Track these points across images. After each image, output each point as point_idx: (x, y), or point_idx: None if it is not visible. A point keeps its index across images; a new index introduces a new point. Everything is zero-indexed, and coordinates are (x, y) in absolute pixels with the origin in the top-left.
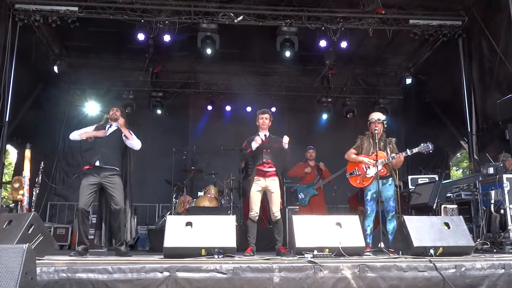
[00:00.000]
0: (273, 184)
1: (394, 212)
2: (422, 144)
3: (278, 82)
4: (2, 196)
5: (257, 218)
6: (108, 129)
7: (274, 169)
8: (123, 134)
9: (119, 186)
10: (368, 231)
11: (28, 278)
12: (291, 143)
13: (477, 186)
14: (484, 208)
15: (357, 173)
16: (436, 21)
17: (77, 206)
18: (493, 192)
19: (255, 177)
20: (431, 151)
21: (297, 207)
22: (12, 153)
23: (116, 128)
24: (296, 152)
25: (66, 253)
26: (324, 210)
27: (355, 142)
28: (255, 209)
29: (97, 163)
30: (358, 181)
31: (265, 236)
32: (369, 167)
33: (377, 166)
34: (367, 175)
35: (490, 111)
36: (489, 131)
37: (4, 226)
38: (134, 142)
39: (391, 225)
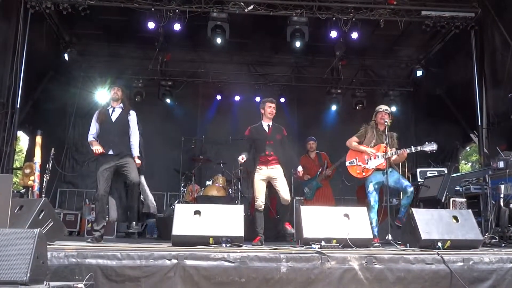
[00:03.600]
0: (275, 171)
1: (412, 188)
2: (426, 143)
3: (288, 72)
4: (13, 181)
5: (262, 207)
6: (112, 113)
7: (276, 160)
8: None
9: (132, 164)
10: (374, 223)
11: (39, 262)
12: (299, 133)
13: (487, 180)
14: (493, 202)
15: (358, 163)
16: (448, 13)
17: (97, 193)
18: (502, 186)
19: (258, 166)
20: (434, 151)
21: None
22: (23, 140)
23: (120, 110)
24: (304, 144)
25: (76, 239)
26: (332, 202)
27: (358, 130)
28: (260, 198)
29: (110, 152)
30: (358, 171)
31: (273, 226)
32: (370, 159)
33: (383, 158)
34: (367, 167)
35: (501, 104)
36: (499, 124)
37: (15, 211)
38: (135, 139)
39: (407, 201)
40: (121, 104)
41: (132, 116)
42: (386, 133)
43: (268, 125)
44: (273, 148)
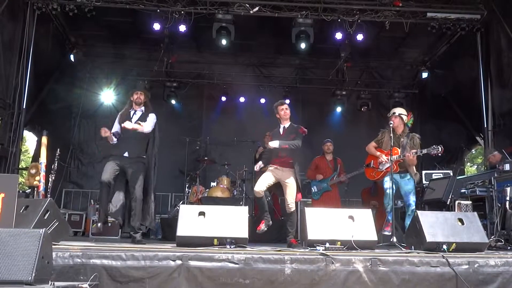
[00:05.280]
0: (288, 175)
1: (414, 207)
2: (433, 146)
3: (292, 74)
4: (18, 181)
5: (261, 194)
6: (132, 116)
7: (291, 161)
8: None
9: (140, 175)
10: (388, 209)
11: (44, 262)
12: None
13: (493, 182)
14: (499, 205)
15: (372, 166)
16: (454, 15)
17: (100, 180)
18: (508, 189)
19: (271, 165)
20: (439, 154)
21: (310, 200)
22: (32, 140)
23: (141, 113)
24: (310, 145)
25: (80, 239)
26: (338, 205)
27: (377, 135)
28: (259, 185)
29: (125, 154)
30: (371, 174)
31: (277, 227)
32: (382, 162)
33: (391, 161)
34: (378, 169)
35: (507, 106)
36: (505, 126)
37: (20, 211)
38: (145, 129)
39: (410, 220)
40: (143, 108)
41: (150, 118)
42: (391, 134)
43: (284, 127)
44: (285, 151)
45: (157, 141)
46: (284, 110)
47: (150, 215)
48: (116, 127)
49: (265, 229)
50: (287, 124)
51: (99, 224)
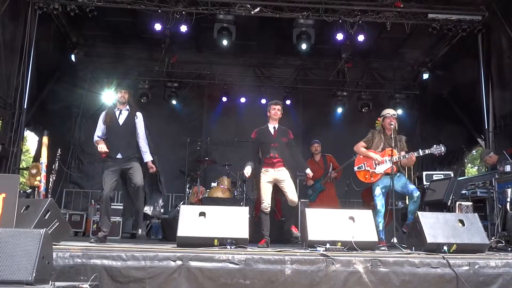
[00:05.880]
0: (282, 173)
1: (418, 193)
2: (435, 146)
3: (293, 74)
4: (19, 181)
5: (268, 209)
6: (119, 116)
7: (282, 162)
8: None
9: (137, 168)
10: (380, 227)
11: (44, 262)
12: (305, 136)
13: (493, 184)
14: (500, 206)
15: (366, 168)
16: (455, 16)
17: (102, 193)
18: (509, 190)
19: (263, 168)
20: (443, 153)
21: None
22: (33, 140)
23: (127, 112)
24: (309, 147)
25: (81, 240)
26: (336, 205)
27: (366, 134)
28: (266, 200)
29: (119, 156)
30: (366, 176)
31: (277, 228)
32: (378, 164)
33: (390, 163)
34: (375, 172)
35: (508, 108)
36: (506, 127)
37: (21, 211)
38: (142, 141)
39: (413, 206)
40: (128, 107)
41: (139, 119)
42: (393, 136)
43: (274, 127)
44: (278, 150)
45: (148, 138)
46: (276, 110)
47: (154, 204)
48: (100, 128)
49: (266, 246)
50: (276, 125)
51: (100, 234)
